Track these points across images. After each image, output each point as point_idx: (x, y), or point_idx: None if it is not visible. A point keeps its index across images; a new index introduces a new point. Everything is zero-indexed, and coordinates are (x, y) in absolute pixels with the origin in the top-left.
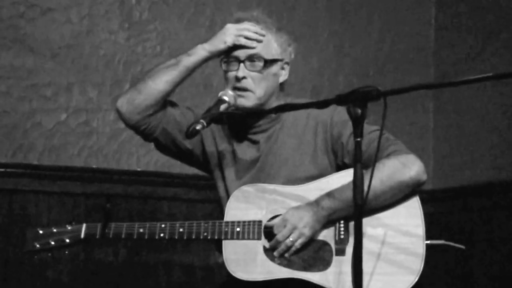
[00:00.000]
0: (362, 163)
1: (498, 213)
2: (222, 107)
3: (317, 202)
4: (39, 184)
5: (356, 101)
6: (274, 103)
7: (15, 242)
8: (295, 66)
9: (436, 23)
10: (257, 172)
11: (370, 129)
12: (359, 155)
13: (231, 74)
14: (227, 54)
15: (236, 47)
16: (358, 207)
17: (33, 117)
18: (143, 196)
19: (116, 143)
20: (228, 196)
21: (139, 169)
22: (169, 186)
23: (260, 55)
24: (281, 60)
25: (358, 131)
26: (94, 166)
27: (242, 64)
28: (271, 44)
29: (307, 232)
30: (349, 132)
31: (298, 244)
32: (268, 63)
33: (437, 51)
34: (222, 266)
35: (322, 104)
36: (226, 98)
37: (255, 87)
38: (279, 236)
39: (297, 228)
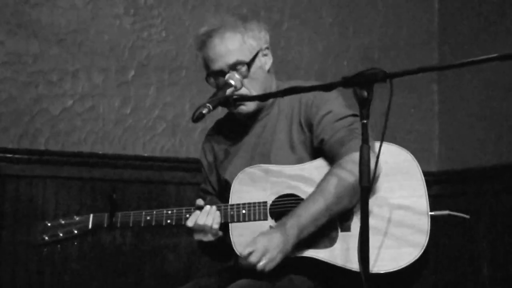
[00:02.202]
0: (326, 155)
1: (502, 195)
2: (229, 90)
3: (283, 223)
4: (46, 170)
5: (362, 83)
6: (273, 87)
7: (22, 227)
8: (300, 50)
9: (440, 6)
10: (258, 159)
11: (341, 115)
12: (366, 136)
13: None
14: (211, 71)
15: (213, 62)
16: (364, 189)
17: (39, 103)
18: (149, 181)
19: (122, 128)
20: None
21: (145, 154)
22: (175, 171)
23: (240, 60)
24: (259, 50)
25: (364, 113)
26: (100, 152)
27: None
28: (245, 44)
29: (276, 256)
30: (323, 112)
31: (267, 269)
32: (251, 62)
33: (441, 34)
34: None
35: (327, 87)
36: (232, 81)
37: (250, 92)
38: (250, 261)
39: (267, 254)
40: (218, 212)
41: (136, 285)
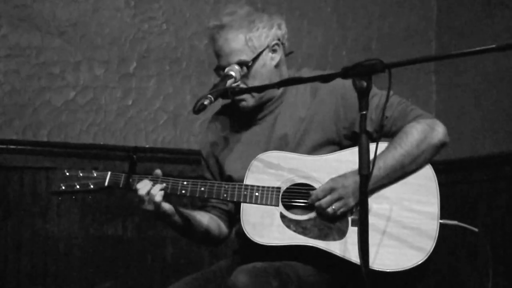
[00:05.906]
0: (386, 129)
1: (498, 184)
2: (229, 82)
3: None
4: (49, 161)
5: (361, 74)
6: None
7: (26, 218)
8: (299, 41)
9: None
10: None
11: (384, 96)
12: (364, 127)
13: None
14: (217, 65)
15: (218, 57)
16: (363, 178)
17: (42, 95)
18: (151, 173)
19: (123, 120)
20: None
21: (147, 146)
22: (177, 163)
23: (242, 60)
24: (265, 48)
25: (363, 104)
26: (102, 143)
27: None
28: (247, 46)
29: (351, 202)
30: (372, 103)
31: (339, 212)
32: (251, 63)
33: (439, 25)
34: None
35: (327, 78)
36: (232, 73)
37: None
38: (322, 202)
39: (343, 198)
40: (158, 185)
41: (138, 275)
